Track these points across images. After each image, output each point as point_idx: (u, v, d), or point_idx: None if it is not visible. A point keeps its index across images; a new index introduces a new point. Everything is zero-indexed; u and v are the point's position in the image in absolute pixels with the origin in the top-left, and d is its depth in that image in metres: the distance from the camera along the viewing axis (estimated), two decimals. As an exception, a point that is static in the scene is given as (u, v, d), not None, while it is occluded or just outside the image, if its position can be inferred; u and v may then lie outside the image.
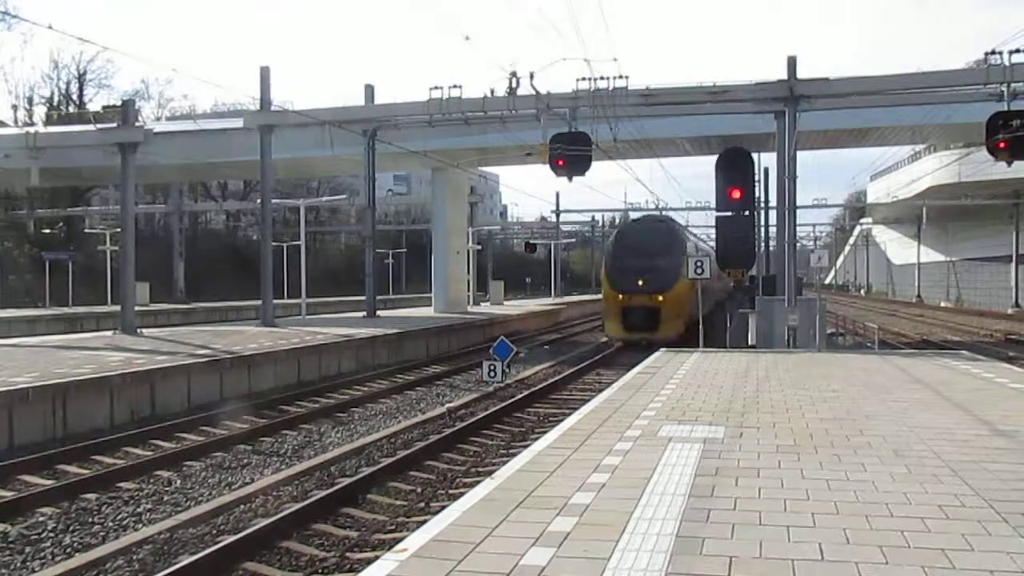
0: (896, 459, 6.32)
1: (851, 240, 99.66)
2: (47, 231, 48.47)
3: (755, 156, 21.34)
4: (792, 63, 18.80)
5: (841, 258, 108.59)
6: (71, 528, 7.36)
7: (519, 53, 49.74)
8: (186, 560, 6.25)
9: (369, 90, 26.34)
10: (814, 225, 66.98)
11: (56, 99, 51.94)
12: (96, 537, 7.13)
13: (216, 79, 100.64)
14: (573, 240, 74.82)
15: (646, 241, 24.14)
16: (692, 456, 6.44)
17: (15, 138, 26.56)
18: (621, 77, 19.42)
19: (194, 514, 7.52)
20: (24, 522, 7.51)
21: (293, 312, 31.69)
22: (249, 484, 8.76)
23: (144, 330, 21.93)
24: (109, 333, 21.60)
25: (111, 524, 7.51)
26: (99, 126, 23.77)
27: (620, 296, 23.37)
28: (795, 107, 18.58)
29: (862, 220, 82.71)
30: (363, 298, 28.50)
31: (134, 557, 6.50)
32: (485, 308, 37.11)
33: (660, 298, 22.57)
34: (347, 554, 6.67)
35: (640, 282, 22.93)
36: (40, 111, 50.74)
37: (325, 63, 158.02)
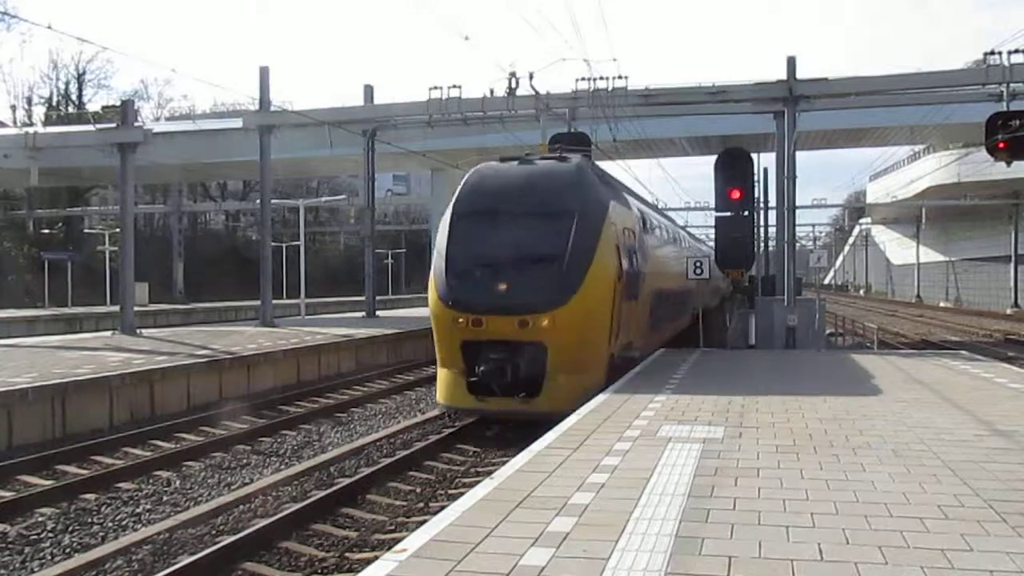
0: (895, 459, 6.32)
1: (850, 240, 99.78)
2: (46, 231, 48.57)
3: (754, 156, 21.17)
4: (791, 63, 18.82)
5: (840, 258, 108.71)
6: (70, 528, 7.36)
7: (519, 53, 49.59)
8: (185, 560, 6.25)
9: (368, 90, 26.34)
10: (813, 225, 67.10)
11: (55, 99, 52.09)
12: (95, 537, 7.13)
13: (215, 79, 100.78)
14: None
15: (519, 200, 11.63)
16: (691, 456, 6.44)
17: (14, 138, 26.61)
18: (621, 77, 19.45)
19: (193, 514, 7.51)
20: (23, 522, 7.51)
21: (292, 312, 31.68)
22: (248, 484, 8.76)
23: (143, 330, 21.92)
24: (108, 333, 21.59)
25: (110, 524, 7.51)
26: (98, 126, 23.79)
27: (459, 319, 11.09)
28: (794, 107, 18.59)
29: (861, 220, 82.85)
30: (362, 298, 28.48)
31: (133, 557, 6.49)
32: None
33: (544, 322, 10.73)
34: (346, 554, 6.67)
35: (502, 287, 10.96)
36: (39, 111, 50.89)
37: (325, 63, 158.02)
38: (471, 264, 11.36)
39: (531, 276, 11.02)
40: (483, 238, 11.46)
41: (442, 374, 11.82)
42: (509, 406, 10.97)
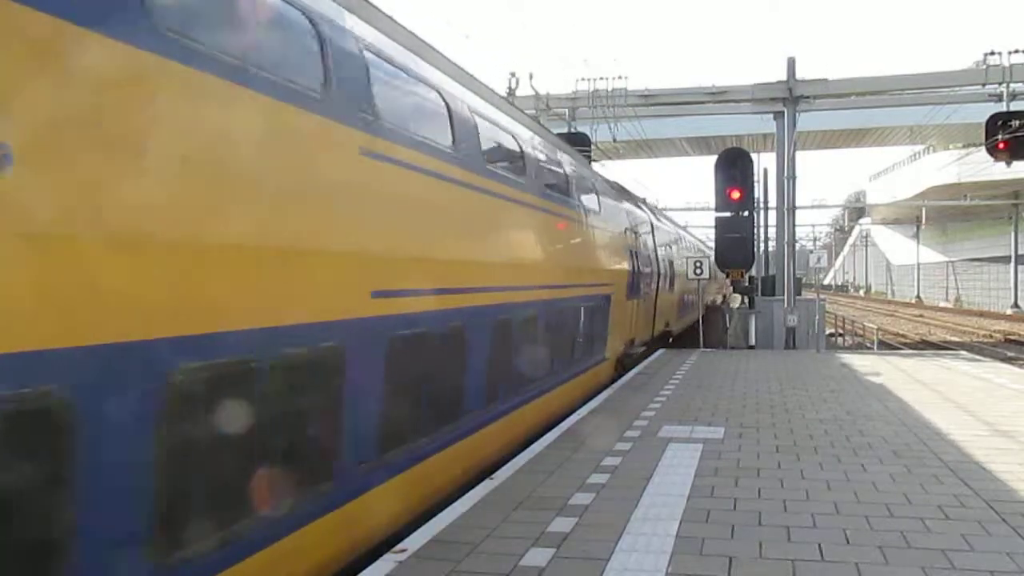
0: (896, 459, 6.32)
1: (850, 240, 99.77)
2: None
3: (754, 156, 21.10)
4: (791, 64, 18.82)
5: (840, 258, 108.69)
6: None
7: (519, 53, 49.63)
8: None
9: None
10: (813, 225, 67.16)
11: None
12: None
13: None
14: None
15: None
16: (692, 456, 6.44)
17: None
18: (620, 78, 19.48)
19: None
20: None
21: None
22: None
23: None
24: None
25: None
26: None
27: None
28: (794, 107, 18.59)
29: (861, 220, 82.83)
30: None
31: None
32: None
33: None
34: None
35: None
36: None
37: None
38: None
39: None
40: None
41: None
42: None
